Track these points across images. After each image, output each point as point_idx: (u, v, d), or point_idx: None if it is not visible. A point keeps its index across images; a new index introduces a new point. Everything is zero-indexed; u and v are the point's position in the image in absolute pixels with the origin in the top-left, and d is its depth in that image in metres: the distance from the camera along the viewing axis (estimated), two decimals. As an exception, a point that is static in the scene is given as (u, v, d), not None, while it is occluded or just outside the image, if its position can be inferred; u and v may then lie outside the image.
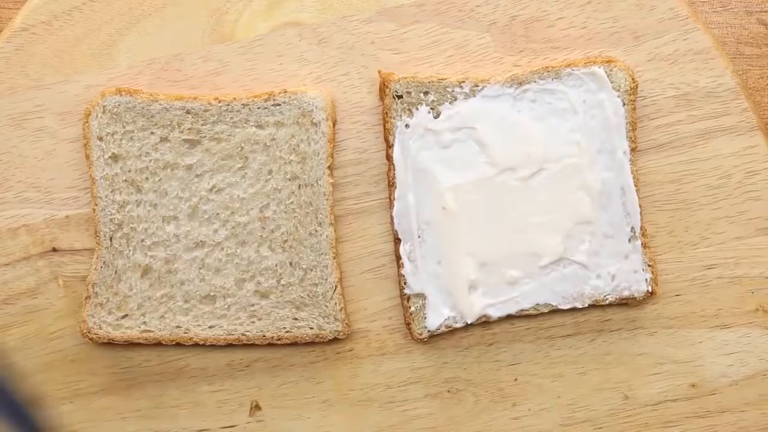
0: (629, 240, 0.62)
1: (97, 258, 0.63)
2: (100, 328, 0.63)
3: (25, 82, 0.64)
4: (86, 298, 0.63)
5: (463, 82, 0.62)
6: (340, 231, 0.64)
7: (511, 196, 0.62)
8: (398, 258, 0.62)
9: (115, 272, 0.63)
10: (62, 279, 0.64)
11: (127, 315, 0.63)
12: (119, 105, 0.62)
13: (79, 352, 0.65)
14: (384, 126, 0.62)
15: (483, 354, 0.64)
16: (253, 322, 0.63)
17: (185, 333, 0.63)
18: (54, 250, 0.64)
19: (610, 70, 0.61)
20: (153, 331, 0.63)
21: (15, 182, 0.64)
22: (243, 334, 0.63)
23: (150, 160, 0.63)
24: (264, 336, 0.63)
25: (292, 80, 0.63)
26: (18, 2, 0.69)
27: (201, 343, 0.63)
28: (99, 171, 0.63)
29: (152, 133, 0.63)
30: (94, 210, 0.63)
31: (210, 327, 0.63)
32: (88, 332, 0.63)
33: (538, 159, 0.61)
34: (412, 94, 0.62)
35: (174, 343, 0.63)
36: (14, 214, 0.64)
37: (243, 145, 0.62)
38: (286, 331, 0.63)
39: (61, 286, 0.64)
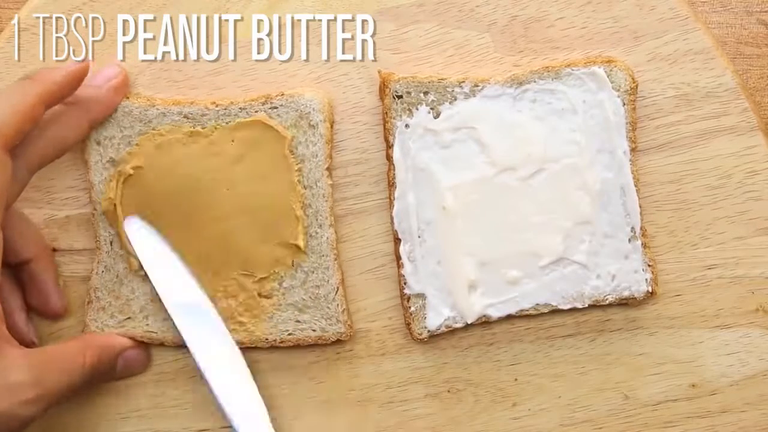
0: (629, 240, 0.62)
1: (98, 263, 0.63)
2: (103, 332, 0.63)
3: (25, 82, 0.64)
4: (88, 303, 0.63)
5: (463, 82, 0.62)
6: (340, 231, 0.64)
7: (511, 196, 0.62)
8: (398, 258, 0.62)
9: (117, 276, 0.63)
10: (62, 279, 0.64)
11: (129, 318, 0.63)
12: (116, 109, 0.62)
13: (79, 352, 0.65)
14: (384, 126, 0.62)
15: (483, 354, 0.64)
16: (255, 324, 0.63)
17: None
18: (54, 250, 0.64)
19: (610, 70, 0.61)
20: (156, 333, 0.63)
21: (15, 182, 0.64)
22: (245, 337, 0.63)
23: None
24: (266, 339, 0.63)
25: (292, 80, 0.63)
26: (18, 2, 0.69)
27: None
28: (97, 175, 0.63)
29: None
30: (93, 214, 0.63)
31: None
32: None
33: (538, 159, 0.61)
34: (412, 94, 0.62)
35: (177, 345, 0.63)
36: (14, 214, 0.64)
37: None
38: (289, 334, 0.63)
39: (61, 286, 0.64)
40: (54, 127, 0.59)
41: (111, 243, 0.63)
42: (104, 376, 0.62)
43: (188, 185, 0.61)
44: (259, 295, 0.62)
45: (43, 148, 0.58)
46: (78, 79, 0.58)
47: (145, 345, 0.64)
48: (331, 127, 0.63)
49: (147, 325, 0.63)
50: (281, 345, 0.63)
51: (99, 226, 0.63)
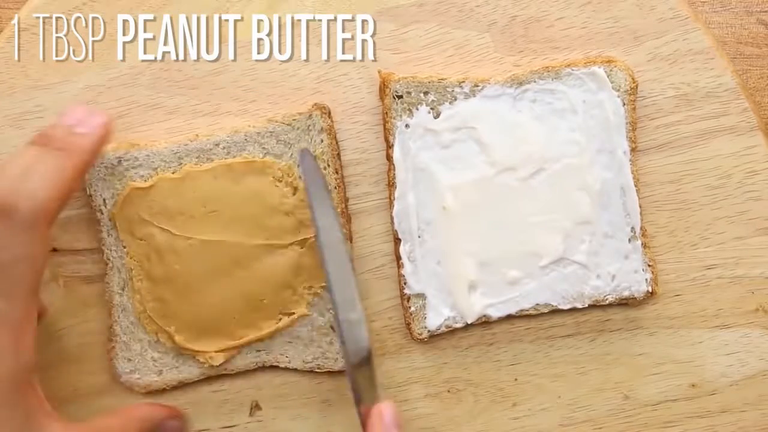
0: (629, 240, 0.62)
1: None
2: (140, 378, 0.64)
3: (25, 82, 0.64)
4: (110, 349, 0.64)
5: (463, 82, 0.62)
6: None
7: (511, 196, 0.62)
8: (398, 258, 0.62)
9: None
10: (62, 279, 0.64)
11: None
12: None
13: (79, 352, 0.65)
14: (384, 126, 0.62)
15: (483, 354, 0.64)
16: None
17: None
18: (54, 250, 0.64)
19: (610, 70, 0.61)
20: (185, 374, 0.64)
21: (15, 182, 0.64)
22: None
23: None
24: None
25: (291, 80, 0.63)
26: (18, 2, 0.69)
27: (226, 373, 0.64)
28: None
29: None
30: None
31: None
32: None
33: (538, 159, 0.61)
34: (412, 94, 0.62)
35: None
36: (14, 214, 0.64)
37: None
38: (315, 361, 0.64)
39: (61, 286, 0.64)
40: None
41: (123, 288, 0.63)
42: None
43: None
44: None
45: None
46: (106, 141, 0.58)
47: (182, 416, 0.63)
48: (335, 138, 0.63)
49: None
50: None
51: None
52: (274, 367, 0.64)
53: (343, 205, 0.62)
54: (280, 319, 0.62)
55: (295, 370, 0.63)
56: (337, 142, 0.62)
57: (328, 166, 0.62)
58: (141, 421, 0.60)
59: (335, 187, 0.62)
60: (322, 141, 0.62)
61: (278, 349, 0.63)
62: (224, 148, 0.62)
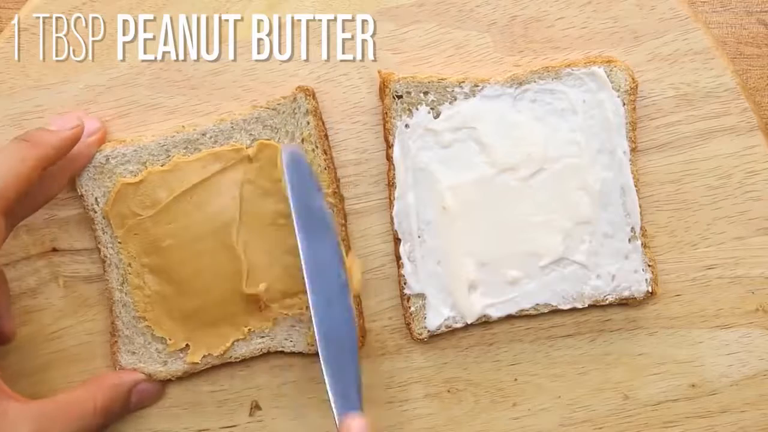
0: (629, 240, 0.62)
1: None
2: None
3: (25, 82, 0.64)
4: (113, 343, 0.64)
5: (463, 82, 0.62)
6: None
7: (511, 196, 0.62)
8: (398, 258, 0.62)
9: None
10: (62, 279, 0.64)
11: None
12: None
13: (79, 352, 0.65)
14: (384, 126, 0.62)
15: (483, 354, 0.64)
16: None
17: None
18: (54, 250, 0.64)
19: (610, 70, 0.61)
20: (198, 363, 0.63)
21: (15, 182, 0.64)
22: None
23: None
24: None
25: (292, 80, 0.63)
26: (18, 2, 0.69)
27: (232, 361, 0.63)
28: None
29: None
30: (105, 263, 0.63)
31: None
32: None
33: (538, 159, 0.61)
34: (412, 94, 0.62)
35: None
36: (14, 214, 0.64)
37: None
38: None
39: (61, 286, 0.64)
40: (40, 182, 0.59)
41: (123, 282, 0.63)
42: (119, 414, 0.62)
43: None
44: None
45: (28, 203, 0.59)
46: (73, 142, 0.59)
47: (154, 378, 0.64)
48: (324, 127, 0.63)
49: None
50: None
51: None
52: (274, 367, 0.64)
53: (334, 186, 0.62)
54: (281, 305, 0.62)
55: (299, 357, 0.64)
56: (323, 123, 0.62)
57: (317, 147, 0.61)
58: (112, 388, 0.60)
59: (325, 168, 0.61)
60: (308, 123, 0.61)
61: (282, 334, 0.63)
62: (211, 137, 0.62)
